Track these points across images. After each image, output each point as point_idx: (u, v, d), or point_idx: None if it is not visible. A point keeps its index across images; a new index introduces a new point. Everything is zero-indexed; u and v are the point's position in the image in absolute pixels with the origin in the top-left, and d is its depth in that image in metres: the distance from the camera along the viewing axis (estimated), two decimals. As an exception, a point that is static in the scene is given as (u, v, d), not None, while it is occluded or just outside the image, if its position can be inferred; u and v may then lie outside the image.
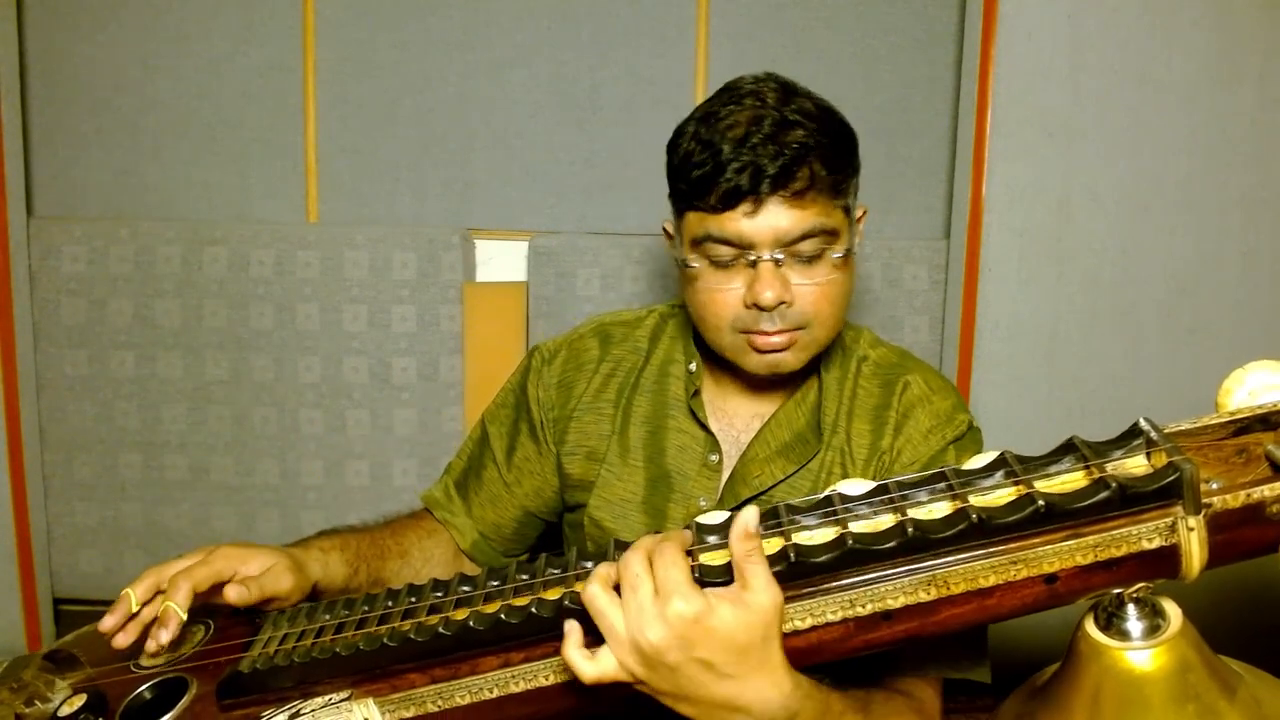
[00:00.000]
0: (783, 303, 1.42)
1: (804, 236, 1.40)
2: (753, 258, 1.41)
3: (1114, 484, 0.88)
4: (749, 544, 0.96)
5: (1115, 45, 2.70)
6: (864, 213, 1.56)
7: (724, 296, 1.45)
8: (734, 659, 0.96)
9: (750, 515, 0.97)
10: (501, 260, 3.22)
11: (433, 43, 3.12)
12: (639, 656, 0.96)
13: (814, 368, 1.59)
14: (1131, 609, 0.93)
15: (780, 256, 1.41)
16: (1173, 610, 0.93)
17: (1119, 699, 0.92)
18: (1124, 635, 0.93)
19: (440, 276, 3.16)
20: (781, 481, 1.54)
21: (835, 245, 1.44)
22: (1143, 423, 0.94)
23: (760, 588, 0.95)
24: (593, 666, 0.98)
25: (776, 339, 1.44)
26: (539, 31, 3.11)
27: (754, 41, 3.08)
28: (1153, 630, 0.92)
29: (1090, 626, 0.95)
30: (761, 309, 1.42)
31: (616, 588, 1.00)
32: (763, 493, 1.54)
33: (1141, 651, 0.92)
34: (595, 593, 0.98)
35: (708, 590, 0.96)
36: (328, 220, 3.19)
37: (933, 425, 1.54)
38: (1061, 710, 0.97)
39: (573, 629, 1.00)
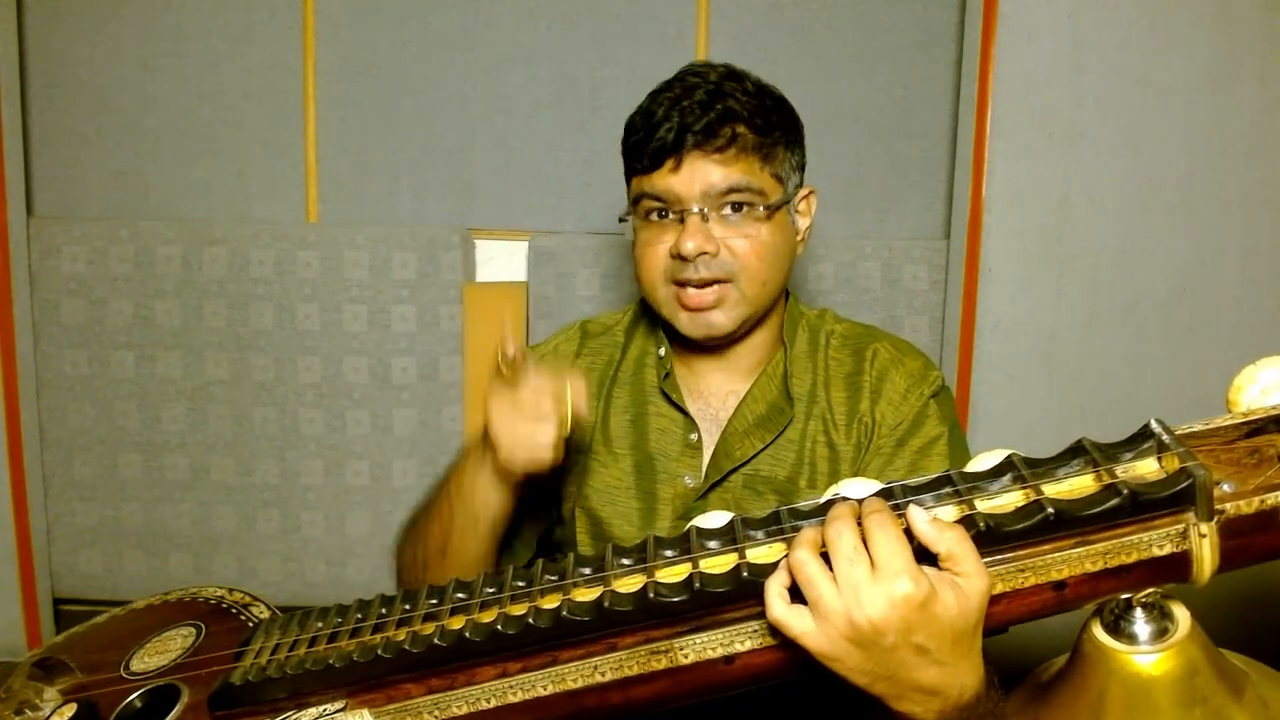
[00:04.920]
0: (705, 253, 1.48)
1: (729, 191, 1.49)
2: (680, 211, 1.50)
3: (1125, 490, 0.87)
4: (952, 530, 0.92)
5: (1115, 46, 2.71)
6: (810, 192, 1.63)
7: (655, 250, 1.53)
8: (949, 645, 0.93)
9: (922, 511, 0.94)
10: (501, 260, 3.22)
11: (433, 43, 3.11)
12: (852, 632, 0.91)
13: (776, 343, 1.65)
14: (1139, 612, 0.92)
15: (704, 209, 1.49)
16: (1181, 613, 0.93)
17: (1125, 702, 0.92)
18: (1131, 638, 0.92)
19: (440, 276, 3.16)
20: (762, 451, 1.58)
21: (762, 202, 1.51)
22: (1154, 424, 0.93)
23: (976, 573, 0.92)
24: (790, 615, 0.94)
25: (703, 294, 1.51)
26: (539, 31, 3.11)
27: (754, 41, 3.08)
28: (1160, 633, 0.92)
29: (1097, 629, 0.94)
30: (684, 259, 1.49)
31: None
32: (745, 463, 1.58)
33: (1149, 655, 0.91)
34: (805, 559, 0.93)
35: (926, 571, 0.92)
36: (328, 220, 3.19)
37: (909, 385, 1.59)
38: (1066, 712, 0.96)
39: (784, 567, 0.95)
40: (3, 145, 2.97)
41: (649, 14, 3.09)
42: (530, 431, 1.39)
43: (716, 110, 1.47)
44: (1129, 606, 0.93)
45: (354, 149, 3.17)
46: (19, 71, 3.05)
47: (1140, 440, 0.94)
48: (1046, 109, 2.75)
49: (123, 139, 3.17)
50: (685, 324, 1.55)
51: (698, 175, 1.48)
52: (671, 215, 1.51)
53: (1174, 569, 0.88)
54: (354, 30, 3.11)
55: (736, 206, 1.49)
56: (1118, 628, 0.93)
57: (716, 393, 1.65)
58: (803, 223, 1.62)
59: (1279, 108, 2.69)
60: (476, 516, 1.49)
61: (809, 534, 0.95)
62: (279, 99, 3.14)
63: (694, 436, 1.62)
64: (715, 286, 1.51)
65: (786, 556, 0.95)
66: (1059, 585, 0.91)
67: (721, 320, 1.53)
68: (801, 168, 1.61)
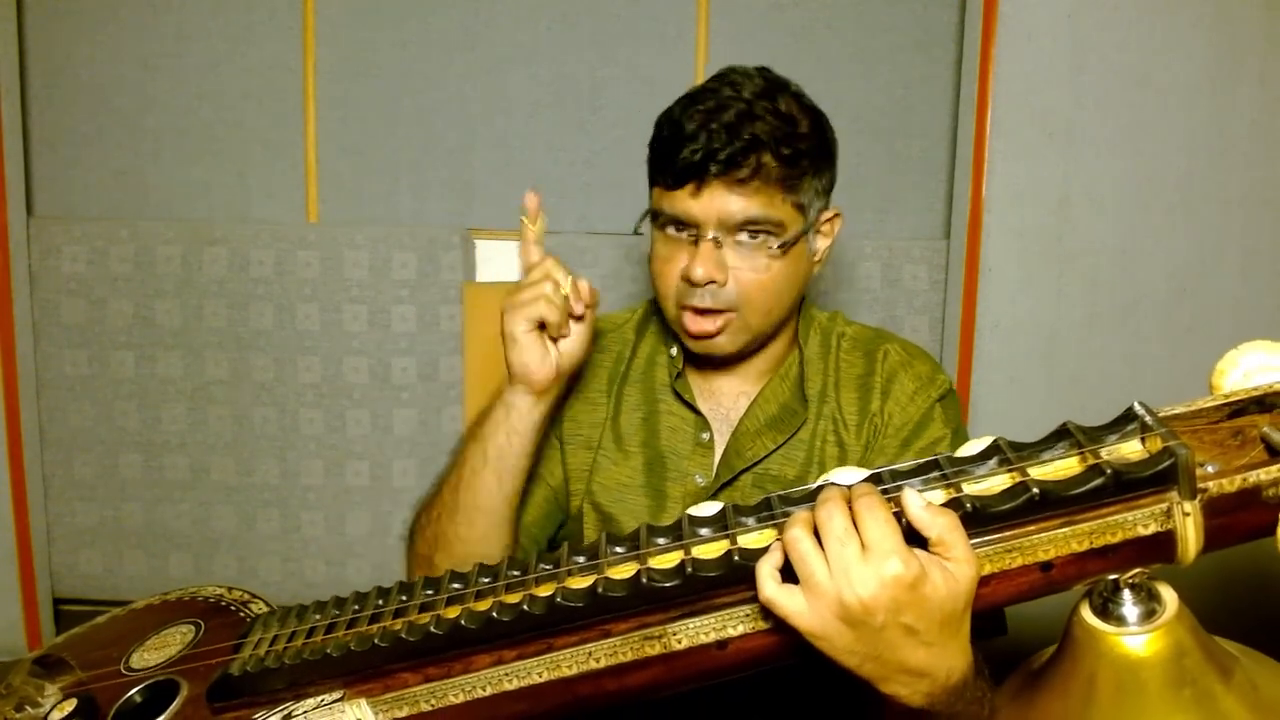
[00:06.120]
0: (713, 281, 1.48)
1: (746, 223, 1.48)
2: (695, 234, 1.49)
3: (1109, 470, 0.88)
4: (945, 516, 0.93)
5: (1115, 46, 2.71)
6: (834, 215, 1.62)
7: (669, 268, 1.53)
8: (937, 626, 0.93)
9: (916, 495, 0.95)
10: (501, 260, 3.22)
11: (433, 43, 3.12)
12: (842, 612, 0.92)
13: (788, 347, 1.66)
14: (1127, 594, 0.93)
15: (719, 237, 1.48)
16: (1168, 595, 0.93)
17: (1115, 684, 0.92)
18: (1119, 620, 0.93)
19: (440, 276, 3.16)
20: (774, 451, 1.59)
21: (778, 236, 1.50)
22: (1137, 407, 0.93)
23: (965, 559, 0.92)
24: (781, 595, 0.94)
25: (706, 324, 1.52)
26: (539, 31, 3.12)
27: (754, 41, 3.09)
28: (1148, 615, 0.92)
29: (1085, 612, 0.95)
30: (693, 284, 1.49)
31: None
32: (757, 463, 1.58)
33: (1137, 637, 0.91)
34: (798, 536, 0.94)
35: (916, 553, 0.93)
36: (328, 220, 3.19)
37: (917, 387, 1.59)
38: (1058, 695, 0.96)
39: (777, 548, 0.96)
40: (3, 145, 2.98)
41: (649, 14, 3.10)
42: (538, 288, 1.42)
43: (744, 139, 1.44)
44: (1117, 588, 0.93)
45: (354, 149, 3.17)
46: (19, 71, 3.06)
47: (1124, 423, 0.94)
48: (1046, 109, 2.75)
49: (123, 139, 3.17)
50: (689, 344, 1.57)
51: (716, 203, 1.46)
52: (687, 234, 1.51)
53: (1159, 548, 0.89)
54: (354, 30, 3.12)
55: (753, 234, 1.49)
56: (1106, 610, 0.94)
57: (728, 392, 1.65)
58: (822, 244, 1.61)
59: (1279, 108, 2.70)
60: (486, 451, 1.48)
61: (802, 515, 0.96)
62: (279, 99, 3.15)
63: (705, 435, 1.62)
64: (720, 316, 1.51)
65: (779, 538, 0.96)
66: (1046, 566, 0.91)
67: (723, 343, 1.54)
68: (829, 190, 1.59)
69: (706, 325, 1.51)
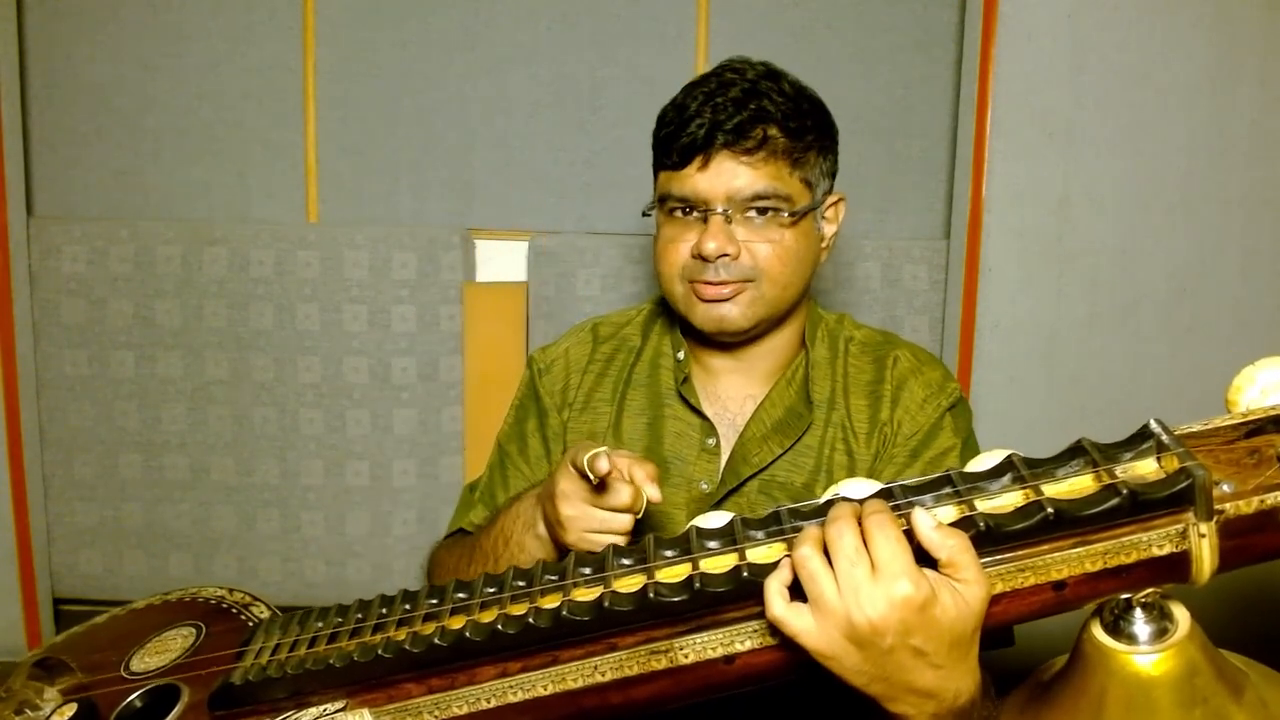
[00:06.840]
0: (725, 255, 1.47)
1: (755, 197, 1.47)
2: (704, 210, 1.48)
3: (1124, 490, 0.87)
4: (956, 537, 0.91)
5: (1115, 46, 2.71)
6: (839, 199, 1.62)
7: (676, 247, 1.52)
8: (946, 648, 0.92)
9: (927, 515, 0.93)
10: (501, 260, 3.22)
11: (433, 43, 3.11)
12: (851, 632, 0.91)
13: (794, 347, 1.64)
14: (1139, 613, 0.92)
15: (728, 210, 1.47)
16: (1181, 613, 0.92)
17: (1125, 703, 0.91)
18: (1131, 639, 0.92)
19: (440, 276, 3.16)
20: (780, 457, 1.57)
21: (788, 209, 1.49)
22: (1153, 424, 0.92)
23: (976, 580, 0.91)
24: (789, 613, 0.93)
25: (720, 288, 1.49)
26: (539, 31, 3.11)
27: (754, 41, 3.08)
28: (1160, 634, 0.91)
29: (1096, 629, 0.94)
30: (705, 259, 1.47)
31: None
32: (763, 470, 1.57)
33: (1148, 655, 0.91)
34: (808, 554, 0.92)
35: (926, 574, 0.92)
36: (328, 220, 3.19)
37: (927, 395, 1.58)
38: (1066, 713, 0.96)
39: (786, 565, 0.95)
40: (3, 145, 2.97)
41: (649, 14, 3.10)
42: (605, 519, 1.34)
43: (750, 110, 1.45)
44: (1129, 606, 0.92)
45: (354, 149, 3.17)
46: (19, 71, 3.05)
47: (1140, 440, 0.93)
48: (1046, 109, 2.75)
49: (123, 139, 3.17)
50: (699, 317, 1.53)
51: (724, 176, 1.46)
52: (695, 214, 1.49)
53: (1173, 569, 0.88)
54: (354, 30, 3.11)
55: (761, 210, 1.48)
56: (1117, 628, 0.93)
57: (734, 396, 1.63)
58: (828, 229, 1.60)
59: (1279, 108, 2.69)
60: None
61: (812, 532, 0.95)
62: (279, 99, 3.15)
63: (711, 441, 1.61)
64: (733, 284, 1.49)
65: (788, 555, 0.95)
66: (1059, 585, 0.91)
67: (735, 316, 1.51)
68: (832, 174, 1.59)
69: (723, 289, 1.49)
